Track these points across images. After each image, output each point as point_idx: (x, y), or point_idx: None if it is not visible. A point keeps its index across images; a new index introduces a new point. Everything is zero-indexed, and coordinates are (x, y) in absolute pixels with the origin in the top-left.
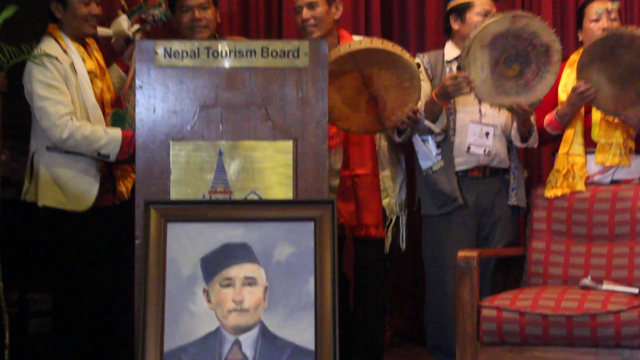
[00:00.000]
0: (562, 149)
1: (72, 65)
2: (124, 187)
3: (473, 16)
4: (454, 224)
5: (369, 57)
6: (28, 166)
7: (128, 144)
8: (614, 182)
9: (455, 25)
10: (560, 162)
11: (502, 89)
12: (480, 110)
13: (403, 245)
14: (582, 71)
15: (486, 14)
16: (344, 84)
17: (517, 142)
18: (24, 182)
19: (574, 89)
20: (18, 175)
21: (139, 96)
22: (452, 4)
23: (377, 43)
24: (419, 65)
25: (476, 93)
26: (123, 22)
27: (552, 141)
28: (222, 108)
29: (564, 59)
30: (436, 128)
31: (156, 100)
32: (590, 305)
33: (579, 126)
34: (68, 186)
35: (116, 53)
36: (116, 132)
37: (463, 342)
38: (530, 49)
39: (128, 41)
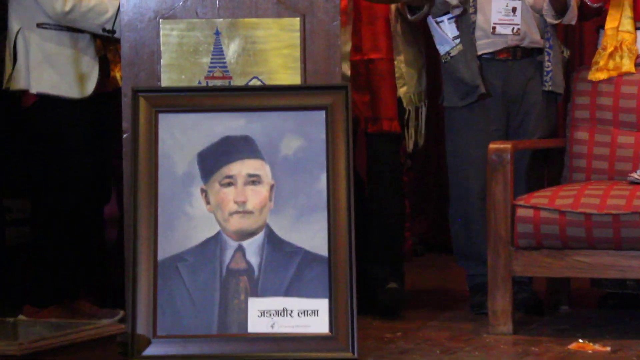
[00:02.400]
0: (609, 24)
1: None
2: (117, 73)
3: None
4: (479, 115)
5: None
6: (10, 49)
7: None
8: None
9: None
10: (606, 39)
11: None
12: None
13: (421, 141)
14: None
15: None
16: None
17: (550, 18)
18: (4, 68)
19: None
20: None
21: None
22: None
23: None
24: None
25: None
26: None
27: (594, 15)
28: None
29: None
30: (453, 0)
31: None
32: None
33: None
34: (66, 69)
35: None
36: None
37: (495, 246)
38: None
39: None
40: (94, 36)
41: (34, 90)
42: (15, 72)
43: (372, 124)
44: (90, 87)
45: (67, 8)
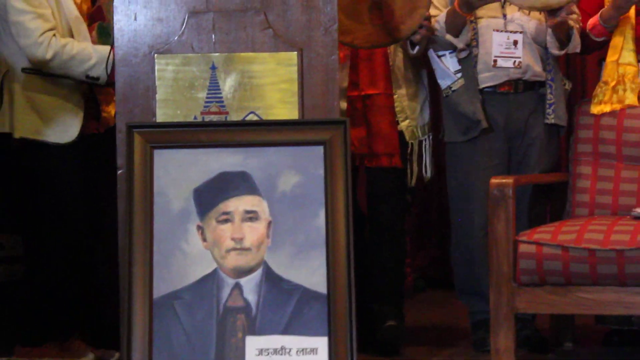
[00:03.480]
0: (610, 57)
1: None
2: (107, 113)
3: None
4: (481, 150)
5: None
6: None
7: None
8: None
9: None
10: (608, 72)
11: None
12: (505, 16)
13: (427, 175)
14: None
15: None
16: None
17: (555, 49)
18: None
19: None
20: None
21: (117, 2)
22: None
23: None
24: None
25: None
26: None
27: (597, 49)
28: (214, 14)
29: None
30: (459, 43)
31: (137, 6)
32: None
33: (628, 30)
34: (49, 114)
35: None
36: (106, 50)
37: (497, 283)
38: None
39: None
40: (79, 82)
41: (17, 135)
42: (0, 115)
43: (368, 160)
44: (74, 132)
45: (49, 56)
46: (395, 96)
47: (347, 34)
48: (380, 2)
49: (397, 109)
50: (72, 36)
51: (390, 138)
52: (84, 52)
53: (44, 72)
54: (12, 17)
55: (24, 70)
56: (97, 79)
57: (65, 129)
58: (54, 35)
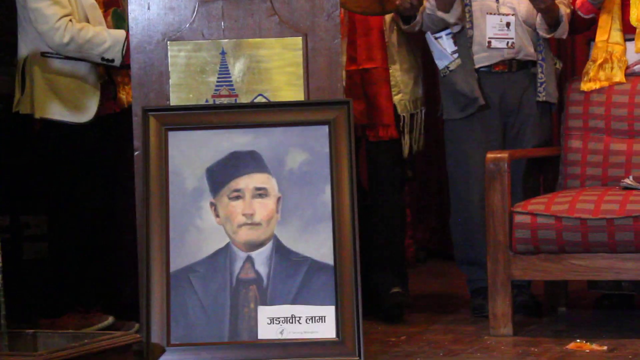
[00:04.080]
0: (600, 37)
1: None
2: (124, 94)
3: None
4: (478, 126)
5: None
6: (19, 76)
7: None
8: None
9: None
10: (596, 51)
11: None
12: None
13: (416, 147)
14: None
15: None
16: None
17: (543, 32)
18: (15, 93)
19: None
20: (6, 88)
21: None
22: None
23: None
24: None
25: None
26: None
27: (585, 29)
28: (223, 2)
29: None
30: (450, 18)
31: None
32: (633, 206)
33: (616, 10)
34: (68, 96)
35: None
36: (120, 33)
37: (495, 252)
38: None
39: None
40: (95, 64)
41: (37, 115)
42: (23, 98)
43: (368, 130)
44: (92, 112)
45: (66, 40)
46: (390, 70)
47: None
48: None
49: (391, 83)
50: (87, 22)
51: (387, 109)
52: (99, 36)
53: (62, 56)
54: (31, 4)
55: (43, 54)
56: (112, 60)
57: (83, 109)
58: (70, 20)
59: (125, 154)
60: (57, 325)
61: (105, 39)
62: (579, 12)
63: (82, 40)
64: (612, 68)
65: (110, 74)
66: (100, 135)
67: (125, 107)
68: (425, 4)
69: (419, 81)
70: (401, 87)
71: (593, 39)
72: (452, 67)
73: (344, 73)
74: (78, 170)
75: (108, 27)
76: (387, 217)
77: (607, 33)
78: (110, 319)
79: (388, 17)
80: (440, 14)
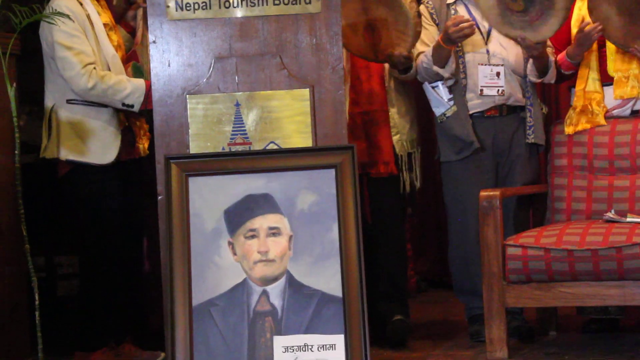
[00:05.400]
0: (579, 86)
1: (89, 17)
2: (141, 144)
3: None
4: (473, 167)
5: None
6: (45, 122)
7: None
8: (634, 113)
9: None
10: (576, 99)
11: (507, 20)
12: (487, 51)
13: (417, 184)
14: (592, 1)
15: None
16: (345, 5)
17: (533, 77)
18: (42, 140)
19: (580, 30)
20: (37, 139)
21: (153, 51)
22: None
23: None
24: (419, 14)
25: (483, 15)
26: None
27: (567, 79)
28: (237, 59)
29: None
30: (445, 73)
31: (170, 54)
32: (615, 238)
33: (593, 62)
34: (91, 138)
35: (117, 15)
36: (139, 82)
37: (489, 281)
38: None
39: (128, 3)
40: (117, 110)
41: (63, 157)
42: (49, 143)
43: (370, 167)
44: (113, 154)
45: (90, 85)
46: (389, 113)
47: (344, 37)
48: (375, 26)
49: (390, 124)
50: (109, 70)
51: (387, 148)
52: (121, 83)
53: (86, 102)
54: (58, 53)
55: (69, 101)
56: (132, 106)
57: (105, 151)
58: (94, 68)
59: (145, 196)
60: (93, 358)
61: (126, 86)
62: (561, 69)
63: (105, 86)
64: (592, 113)
65: (129, 122)
66: (122, 178)
67: (142, 156)
68: (422, 57)
69: (414, 123)
70: (399, 128)
71: (574, 86)
72: (448, 113)
73: (347, 115)
74: (102, 211)
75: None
76: (389, 250)
77: (585, 82)
78: (162, 355)
79: (387, 65)
80: (436, 68)
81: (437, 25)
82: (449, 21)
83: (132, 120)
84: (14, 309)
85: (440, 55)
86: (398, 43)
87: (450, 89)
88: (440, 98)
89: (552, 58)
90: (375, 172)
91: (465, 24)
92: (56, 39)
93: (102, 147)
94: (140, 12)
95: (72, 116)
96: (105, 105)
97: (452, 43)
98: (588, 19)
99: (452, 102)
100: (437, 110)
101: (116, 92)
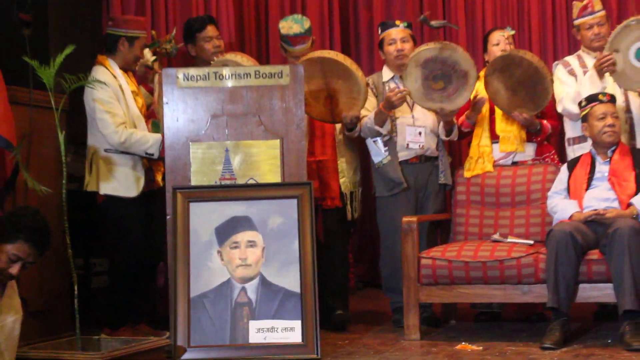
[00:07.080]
0: (474, 141)
1: (120, 87)
2: (158, 178)
3: (386, 47)
4: (399, 200)
5: (334, 66)
6: (88, 164)
7: None
8: (514, 163)
9: (382, 56)
10: (473, 151)
11: (430, 96)
12: (413, 116)
13: (356, 214)
14: (487, 78)
15: (396, 42)
16: (311, 81)
17: (443, 136)
18: (85, 176)
19: (474, 100)
20: (79, 172)
21: (166, 110)
22: (379, 40)
23: (341, 57)
24: (368, 84)
25: (412, 96)
26: (147, 54)
27: (466, 136)
28: (227, 117)
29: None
30: (383, 131)
31: (178, 112)
32: (499, 253)
33: (485, 124)
34: (122, 178)
35: (139, 78)
36: (158, 136)
37: (408, 283)
38: (453, 73)
39: (148, 68)
40: (141, 157)
41: (102, 192)
42: (91, 179)
43: (321, 200)
44: (139, 189)
45: (122, 140)
46: (338, 162)
47: (307, 106)
48: (333, 96)
49: (338, 170)
50: (135, 127)
51: (335, 188)
52: (144, 138)
53: (119, 151)
54: (98, 114)
55: (106, 150)
56: (152, 154)
57: (132, 188)
58: (125, 126)
59: (159, 216)
60: (117, 334)
61: (148, 139)
62: (461, 128)
63: (133, 140)
64: (484, 162)
65: (150, 164)
66: (144, 204)
67: (159, 187)
68: (365, 119)
69: (357, 170)
70: (345, 173)
71: (471, 142)
72: (384, 161)
73: (306, 161)
74: (128, 228)
75: (148, 131)
76: (335, 260)
77: (479, 138)
78: (167, 334)
79: (338, 125)
80: (377, 128)
81: (376, 96)
82: (389, 92)
83: (152, 162)
84: (58, 296)
85: (381, 118)
86: (350, 107)
87: (386, 143)
88: (378, 150)
89: (455, 123)
90: (325, 204)
91: (401, 93)
92: (96, 105)
93: (129, 185)
94: (157, 77)
95: (108, 161)
96: (132, 153)
97: (391, 108)
98: (483, 92)
99: (387, 153)
100: (376, 159)
101: (141, 144)
